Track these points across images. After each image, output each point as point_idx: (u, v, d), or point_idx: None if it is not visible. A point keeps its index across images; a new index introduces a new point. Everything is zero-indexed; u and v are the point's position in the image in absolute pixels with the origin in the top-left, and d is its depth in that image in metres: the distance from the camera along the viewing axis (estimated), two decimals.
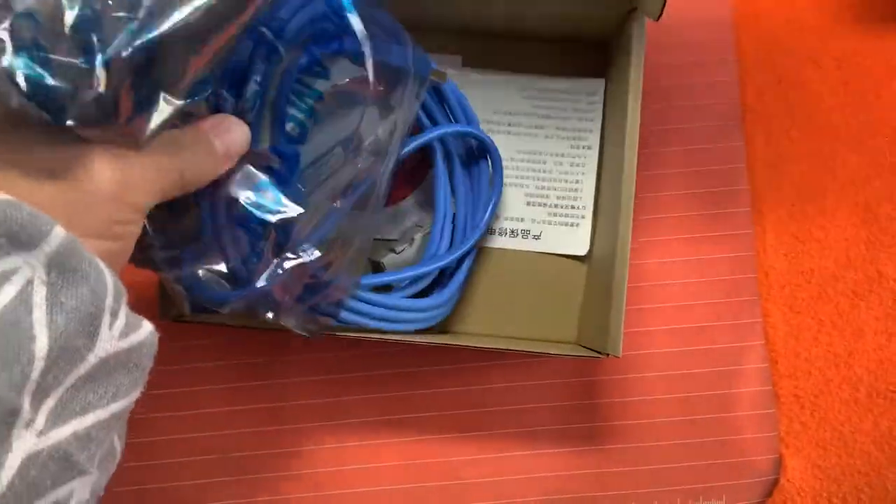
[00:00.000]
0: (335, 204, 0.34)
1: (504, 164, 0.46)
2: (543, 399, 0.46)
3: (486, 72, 0.47)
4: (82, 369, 0.23)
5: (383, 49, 0.35)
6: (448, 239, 0.43)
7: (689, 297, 0.46)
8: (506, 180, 0.47)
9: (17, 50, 0.22)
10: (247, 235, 0.31)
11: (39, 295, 0.22)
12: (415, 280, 0.41)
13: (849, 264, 0.47)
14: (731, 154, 0.48)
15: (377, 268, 0.44)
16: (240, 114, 0.30)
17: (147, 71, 0.24)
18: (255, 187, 0.31)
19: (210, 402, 0.45)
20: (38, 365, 0.21)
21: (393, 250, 0.44)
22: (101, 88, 0.23)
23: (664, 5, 0.37)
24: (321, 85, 0.34)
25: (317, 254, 0.33)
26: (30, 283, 0.21)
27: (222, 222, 0.31)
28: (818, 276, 0.47)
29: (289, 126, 0.33)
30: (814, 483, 0.45)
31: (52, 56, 0.22)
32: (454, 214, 0.43)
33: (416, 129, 0.42)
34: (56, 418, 0.22)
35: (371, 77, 0.34)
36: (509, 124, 0.47)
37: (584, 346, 0.42)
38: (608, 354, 0.38)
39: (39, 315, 0.22)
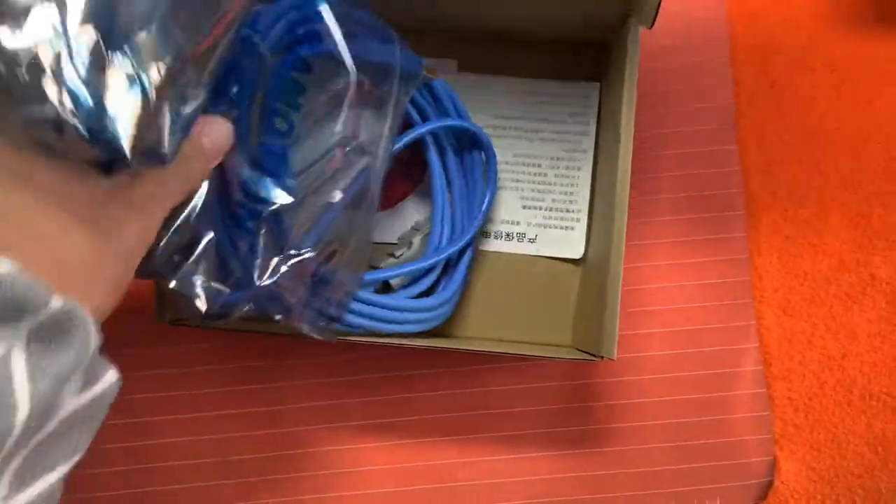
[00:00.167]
0: (331, 201, 0.34)
1: (500, 167, 0.46)
2: (538, 402, 0.46)
3: (482, 75, 0.47)
4: (47, 429, 0.23)
5: (366, 47, 0.35)
6: (448, 231, 0.43)
7: (683, 300, 0.47)
8: (502, 183, 0.47)
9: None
10: (242, 233, 0.31)
11: (19, 364, 0.21)
12: (417, 277, 0.41)
13: (842, 267, 0.47)
14: (725, 158, 0.48)
15: None
16: (227, 113, 0.30)
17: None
18: (245, 183, 0.31)
19: (208, 406, 0.46)
20: (15, 433, 0.21)
21: (392, 255, 0.44)
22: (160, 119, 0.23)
23: (656, 14, 0.38)
24: (307, 81, 0.34)
25: (311, 253, 0.33)
26: (9, 352, 0.21)
27: (217, 222, 0.31)
28: (811, 280, 0.47)
29: (276, 122, 0.33)
30: (807, 485, 0.45)
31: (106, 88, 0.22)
32: (452, 208, 0.44)
33: (407, 124, 0.43)
34: (20, 483, 0.22)
35: (352, 75, 0.34)
36: (505, 128, 0.47)
37: (579, 349, 0.43)
38: (603, 357, 0.38)
39: (20, 380, 0.21)
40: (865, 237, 0.47)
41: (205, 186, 0.30)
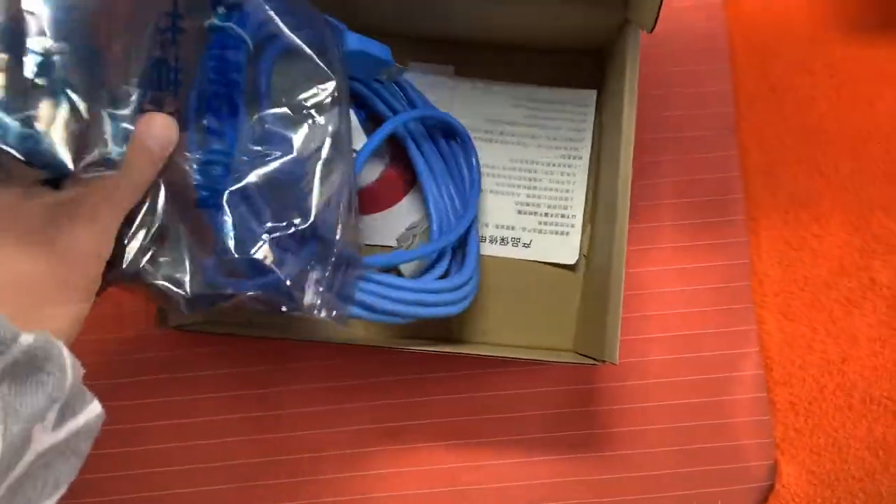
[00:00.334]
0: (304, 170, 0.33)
1: (495, 172, 0.47)
2: (541, 406, 0.46)
3: (479, 81, 0.48)
4: (18, 470, 0.22)
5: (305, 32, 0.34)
6: (447, 217, 0.44)
7: (684, 304, 0.47)
8: (497, 188, 0.47)
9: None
10: (210, 219, 0.31)
11: None
12: (430, 265, 0.42)
13: (842, 271, 0.47)
14: (725, 162, 0.49)
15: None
16: (172, 102, 0.30)
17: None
18: (199, 168, 0.31)
19: (209, 411, 0.46)
20: None
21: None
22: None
23: (657, 17, 0.38)
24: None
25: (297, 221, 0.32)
26: None
27: (183, 213, 0.31)
28: (812, 284, 0.47)
29: (219, 104, 0.32)
30: (808, 489, 0.45)
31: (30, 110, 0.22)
32: (442, 195, 0.44)
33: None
34: None
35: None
36: (501, 133, 0.47)
37: (581, 354, 0.43)
38: (605, 361, 0.38)
39: None
40: (865, 241, 0.47)
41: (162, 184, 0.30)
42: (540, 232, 0.47)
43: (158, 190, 0.30)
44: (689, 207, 0.48)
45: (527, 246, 0.46)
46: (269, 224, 0.32)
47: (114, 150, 0.25)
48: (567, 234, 0.46)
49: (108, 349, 0.45)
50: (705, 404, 0.46)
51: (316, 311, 0.33)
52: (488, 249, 0.46)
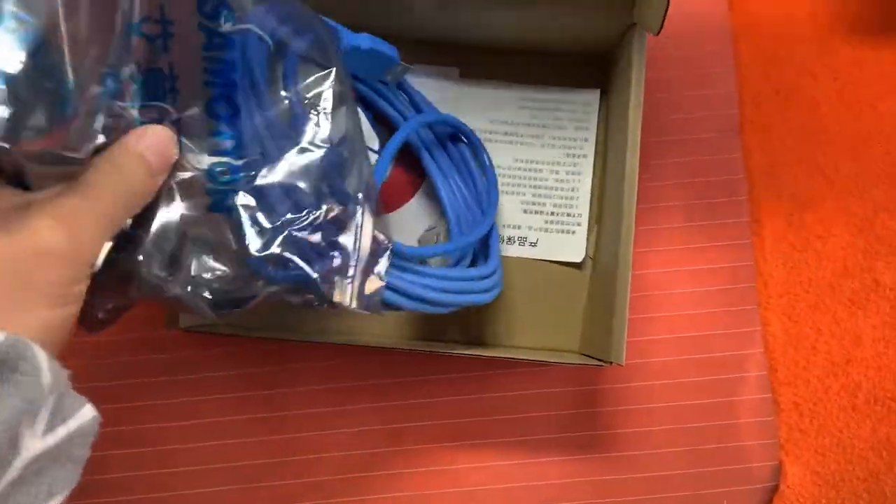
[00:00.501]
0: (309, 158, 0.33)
1: (501, 172, 0.47)
2: (548, 407, 0.46)
3: (483, 82, 0.48)
4: (8, 476, 0.22)
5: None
6: (466, 217, 0.44)
7: (690, 306, 0.47)
8: (503, 188, 0.47)
9: None
10: (227, 221, 0.31)
11: None
12: (456, 260, 0.42)
13: (846, 273, 0.47)
14: (730, 165, 0.49)
15: None
16: (166, 111, 0.30)
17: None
18: (210, 172, 0.30)
19: (215, 412, 0.46)
20: None
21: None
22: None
23: (664, 20, 0.38)
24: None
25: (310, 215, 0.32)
26: None
27: (201, 219, 0.30)
28: (816, 285, 0.47)
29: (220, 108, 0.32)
30: (813, 489, 0.45)
31: None
32: (458, 197, 0.45)
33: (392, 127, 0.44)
34: None
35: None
36: (506, 133, 0.48)
37: (588, 355, 0.43)
38: (611, 363, 0.38)
39: None
40: (869, 243, 0.48)
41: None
42: (546, 231, 0.47)
43: (173, 199, 0.30)
44: (693, 209, 0.48)
45: (533, 245, 0.47)
46: (286, 218, 0.31)
47: (78, 141, 0.25)
48: (573, 232, 0.47)
49: (114, 350, 0.46)
50: (710, 405, 0.46)
51: (348, 302, 0.33)
52: None
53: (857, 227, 0.48)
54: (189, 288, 0.30)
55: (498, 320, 0.46)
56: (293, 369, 0.46)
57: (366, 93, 0.45)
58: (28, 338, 0.22)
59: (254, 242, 0.31)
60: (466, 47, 0.48)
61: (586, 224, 0.47)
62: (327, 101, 0.33)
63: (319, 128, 0.33)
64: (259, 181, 0.31)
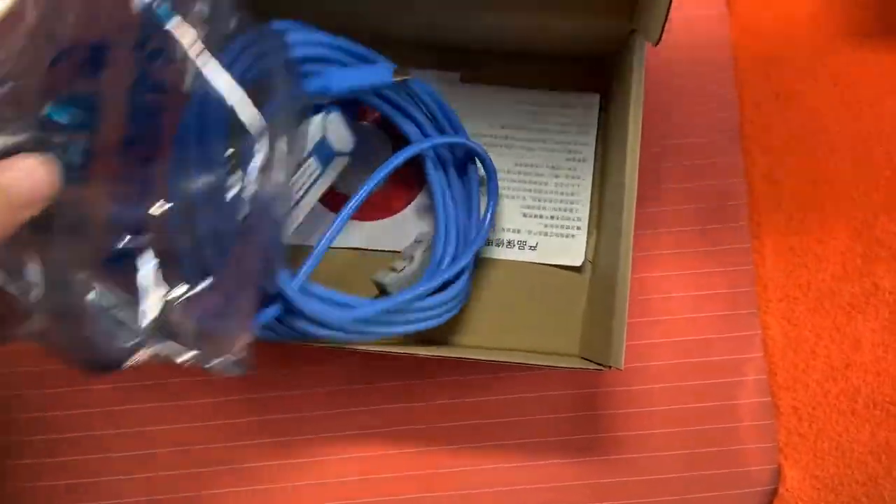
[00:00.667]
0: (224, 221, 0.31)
1: (501, 176, 0.47)
2: (547, 410, 0.46)
3: (484, 86, 0.48)
4: None
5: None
6: (452, 248, 0.44)
7: (689, 309, 0.47)
8: (503, 192, 0.47)
9: None
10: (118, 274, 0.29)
11: None
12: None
13: (846, 277, 0.47)
14: (730, 169, 0.49)
15: (381, 289, 0.44)
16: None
17: None
18: (112, 219, 0.29)
19: (217, 414, 0.46)
20: None
21: (394, 269, 0.44)
22: None
23: (663, 30, 0.38)
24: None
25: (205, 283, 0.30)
26: None
27: (89, 267, 0.29)
28: (815, 289, 0.47)
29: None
30: (812, 493, 0.46)
31: None
32: (456, 225, 0.44)
33: (400, 137, 0.43)
34: None
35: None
36: (506, 137, 0.48)
37: (587, 359, 0.43)
38: (610, 367, 0.38)
39: None
40: (869, 247, 0.48)
41: None
42: (546, 234, 0.47)
43: (49, 244, 0.28)
44: (692, 213, 0.48)
45: (533, 249, 0.47)
46: (177, 280, 0.30)
47: None
48: (573, 236, 0.47)
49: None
50: (709, 409, 0.46)
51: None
52: (495, 253, 0.47)
53: (857, 230, 0.48)
54: (62, 341, 0.28)
55: (497, 324, 0.46)
56: (289, 372, 0.46)
57: (378, 105, 0.44)
58: None
59: (147, 309, 0.29)
60: (466, 51, 0.48)
61: (586, 228, 0.47)
62: (246, 167, 0.31)
63: (232, 197, 0.31)
64: (155, 236, 0.29)
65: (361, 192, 0.40)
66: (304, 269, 0.37)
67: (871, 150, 0.49)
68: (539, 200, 0.47)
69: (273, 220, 0.33)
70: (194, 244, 0.30)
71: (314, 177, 0.41)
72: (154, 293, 0.29)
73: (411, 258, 0.44)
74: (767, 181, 0.49)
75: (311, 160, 0.41)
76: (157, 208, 0.29)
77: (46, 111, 0.27)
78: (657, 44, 0.39)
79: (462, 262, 0.42)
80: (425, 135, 0.44)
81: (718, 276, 0.47)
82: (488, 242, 0.47)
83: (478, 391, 0.46)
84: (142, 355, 0.30)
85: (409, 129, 0.44)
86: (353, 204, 0.40)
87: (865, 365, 0.46)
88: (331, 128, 0.41)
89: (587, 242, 0.47)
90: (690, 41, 0.50)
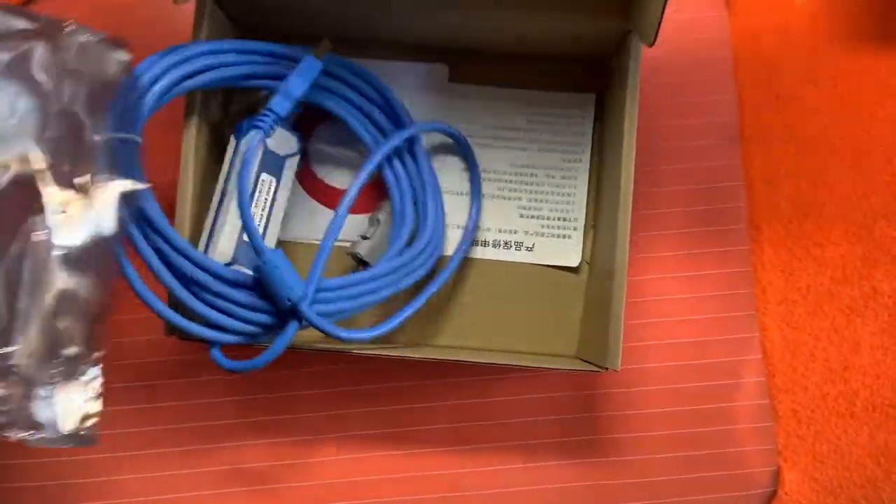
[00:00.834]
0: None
1: (496, 177, 0.47)
2: (545, 412, 0.46)
3: (478, 87, 0.48)
4: None
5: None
6: (409, 196, 0.44)
7: (688, 312, 0.47)
8: (498, 193, 0.47)
9: None
10: None
11: None
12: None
13: (844, 280, 0.47)
14: (729, 171, 0.49)
15: (357, 260, 0.44)
16: None
17: None
18: None
19: (217, 415, 0.46)
20: None
21: (365, 237, 0.44)
22: None
23: (658, 31, 0.38)
24: None
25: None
26: None
27: None
28: (814, 292, 0.47)
29: None
30: (811, 495, 0.45)
31: None
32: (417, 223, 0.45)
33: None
34: None
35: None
36: (502, 138, 0.48)
37: (584, 360, 0.43)
38: (607, 368, 0.38)
39: None
40: (868, 250, 0.48)
41: None
42: (542, 235, 0.47)
43: None
44: (692, 216, 0.48)
45: (529, 250, 0.47)
46: None
47: None
48: (569, 237, 0.47)
49: (114, 356, 0.46)
50: (708, 411, 0.46)
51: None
52: (491, 254, 0.47)
53: (856, 234, 0.48)
54: None
55: (494, 325, 0.46)
56: (289, 374, 0.46)
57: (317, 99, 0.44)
58: None
59: None
60: (461, 51, 0.48)
61: (582, 229, 0.47)
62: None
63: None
64: None
65: (347, 196, 0.40)
66: (312, 288, 0.38)
67: (871, 154, 0.49)
68: (535, 201, 0.47)
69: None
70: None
71: (273, 188, 0.42)
72: None
73: (377, 221, 0.44)
74: (766, 184, 0.49)
75: (263, 175, 0.42)
76: None
77: None
78: (652, 45, 0.39)
79: (428, 293, 0.43)
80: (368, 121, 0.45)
81: (717, 278, 0.47)
82: (484, 243, 0.47)
83: (475, 393, 0.46)
84: None
85: (337, 108, 0.44)
86: (342, 208, 0.40)
87: (864, 368, 0.46)
88: (270, 141, 0.42)
89: (584, 243, 0.47)
90: (690, 43, 0.50)
